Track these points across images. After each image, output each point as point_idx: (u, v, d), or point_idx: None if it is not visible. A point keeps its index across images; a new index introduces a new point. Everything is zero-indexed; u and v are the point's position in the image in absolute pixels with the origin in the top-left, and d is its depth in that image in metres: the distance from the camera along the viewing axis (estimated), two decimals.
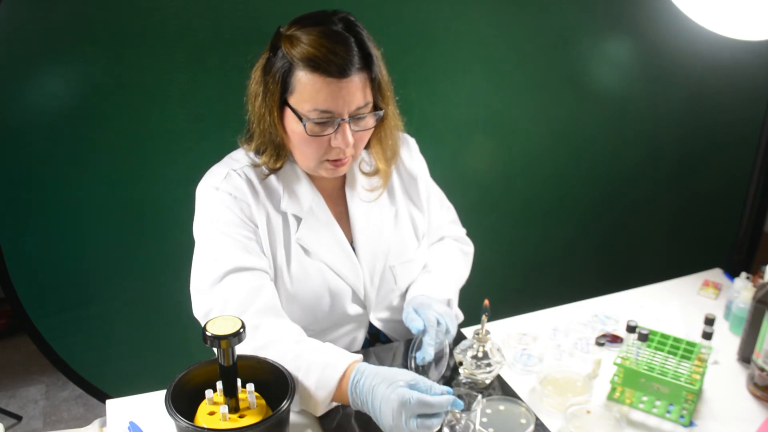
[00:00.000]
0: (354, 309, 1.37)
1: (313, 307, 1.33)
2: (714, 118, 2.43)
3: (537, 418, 1.17)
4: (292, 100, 1.19)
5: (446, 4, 1.92)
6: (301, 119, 1.18)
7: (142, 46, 1.69)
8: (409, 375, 1.07)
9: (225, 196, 1.25)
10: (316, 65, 1.14)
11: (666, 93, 2.33)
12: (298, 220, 1.30)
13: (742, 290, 1.46)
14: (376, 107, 1.24)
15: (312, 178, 1.32)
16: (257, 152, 1.28)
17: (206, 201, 1.27)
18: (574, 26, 2.10)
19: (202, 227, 1.28)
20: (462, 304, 1.48)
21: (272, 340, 1.16)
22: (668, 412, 1.22)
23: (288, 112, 1.21)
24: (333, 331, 1.37)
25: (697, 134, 2.44)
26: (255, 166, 1.29)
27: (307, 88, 1.16)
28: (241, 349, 1.11)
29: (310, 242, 1.31)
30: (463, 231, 1.60)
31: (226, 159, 1.33)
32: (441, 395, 1.04)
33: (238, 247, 1.24)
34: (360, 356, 1.15)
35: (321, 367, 1.11)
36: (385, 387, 1.04)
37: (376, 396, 1.05)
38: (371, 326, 1.42)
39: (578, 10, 2.08)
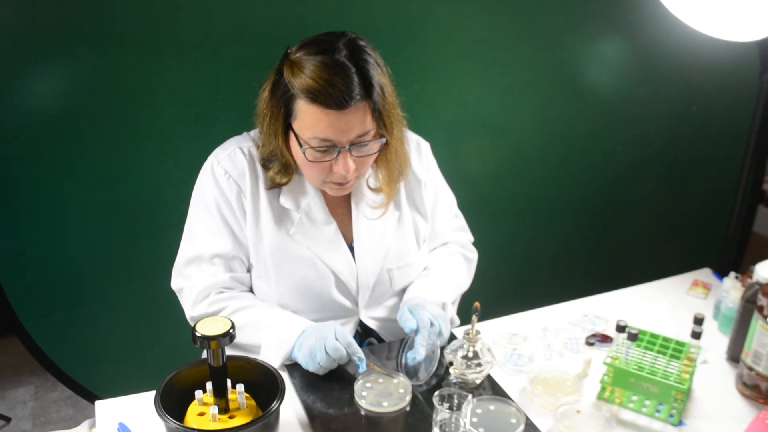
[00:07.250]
0: (342, 299, 1.38)
1: (300, 288, 1.34)
2: (704, 119, 2.44)
3: (527, 418, 1.17)
4: (295, 126, 1.21)
5: (438, 4, 1.92)
6: (301, 146, 1.20)
7: (132, 46, 1.68)
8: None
9: (220, 173, 1.30)
10: (314, 97, 1.14)
11: (657, 94, 2.33)
12: (294, 216, 1.33)
13: (731, 290, 1.47)
14: (380, 133, 1.24)
15: None
16: (266, 161, 1.30)
17: (204, 172, 1.33)
18: (565, 27, 2.11)
19: (193, 198, 1.34)
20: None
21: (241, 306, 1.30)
22: (658, 411, 1.22)
23: (292, 136, 1.23)
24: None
25: (687, 135, 2.45)
26: (263, 167, 1.31)
27: (307, 117, 1.17)
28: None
29: (302, 239, 1.33)
30: (470, 239, 1.59)
31: (244, 134, 1.36)
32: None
33: (216, 231, 1.30)
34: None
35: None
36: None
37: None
38: (363, 323, 1.42)
39: (569, 12, 2.09)
